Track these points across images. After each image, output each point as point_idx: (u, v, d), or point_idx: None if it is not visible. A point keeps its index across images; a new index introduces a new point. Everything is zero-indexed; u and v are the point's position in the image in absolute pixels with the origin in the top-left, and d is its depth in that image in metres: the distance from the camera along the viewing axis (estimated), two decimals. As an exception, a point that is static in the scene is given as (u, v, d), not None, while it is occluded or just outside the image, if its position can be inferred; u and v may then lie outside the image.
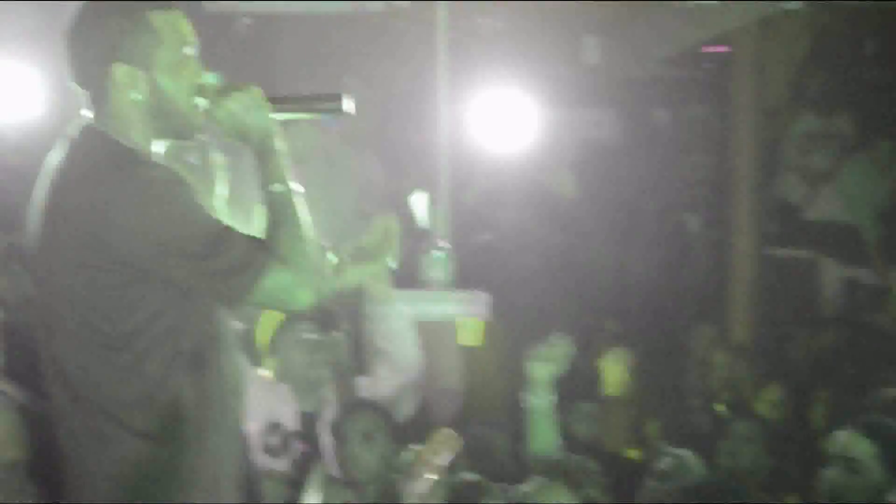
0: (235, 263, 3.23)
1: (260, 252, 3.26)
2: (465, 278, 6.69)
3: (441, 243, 6.57)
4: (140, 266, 3.21)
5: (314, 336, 5.52)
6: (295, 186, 3.39)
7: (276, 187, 3.37)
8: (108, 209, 3.18)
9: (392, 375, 5.54)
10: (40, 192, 3.38)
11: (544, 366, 5.25)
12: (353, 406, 5.41)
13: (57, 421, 3.37)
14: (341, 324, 5.71)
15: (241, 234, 3.29)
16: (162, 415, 3.28)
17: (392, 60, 8.97)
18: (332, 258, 4.99)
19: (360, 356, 5.74)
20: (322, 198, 7.32)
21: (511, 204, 8.77)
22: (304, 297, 3.32)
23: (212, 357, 3.37)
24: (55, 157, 3.38)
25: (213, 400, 3.37)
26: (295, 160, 7.14)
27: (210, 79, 3.45)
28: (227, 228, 3.28)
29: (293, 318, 5.45)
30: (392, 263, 5.35)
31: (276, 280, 3.25)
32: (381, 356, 5.56)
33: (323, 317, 5.55)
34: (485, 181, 8.22)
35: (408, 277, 6.60)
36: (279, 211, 3.35)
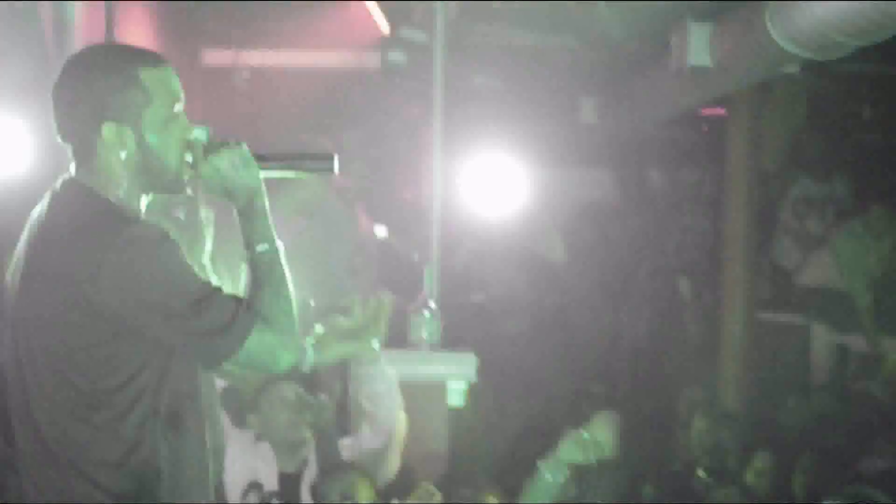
0: (219, 324, 3.20)
1: (243, 313, 3.23)
2: (453, 338, 6.67)
3: (430, 303, 6.55)
4: (123, 324, 3.18)
5: (298, 396, 5.48)
6: (279, 245, 3.37)
7: (261, 247, 3.35)
8: (93, 267, 3.15)
9: (375, 437, 5.50)
10: (21, 247, 3.35)
11: (577, 452, 5.13)
12: (333, 468, 5.37)
13: (26, 475, 3.32)
14: (326, 384, 5.68)
15: (226, 295, 3.26)
16: (136, 474, 3.25)
17: (388, 116, 9.02)
18: (318, 329, 4.99)
19: (343, 416, 5.71)
20: (316, 252, 7.37)
21: (502, 264, 8.77)
22: (287, 359, 3.30)
23: (189, 417, 3.34)
24: (38, 212, 3.35)
25: (189, 460, 3.34)
26: (298, 212, 7.18)
27: (200, 133, 3.44)
28: (212, 288, 3.25)
29: (277, 376, 5.42)
30: (377, 344, 5.36)
31: (259, 341, 3.24)
32: (365, 417, 5.52)
33: (308, 377, 5.52)
34: (476, 240, 8.22)
35: (396, 337, 6.59)
36: (263, 271, 3.33)
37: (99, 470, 3.24)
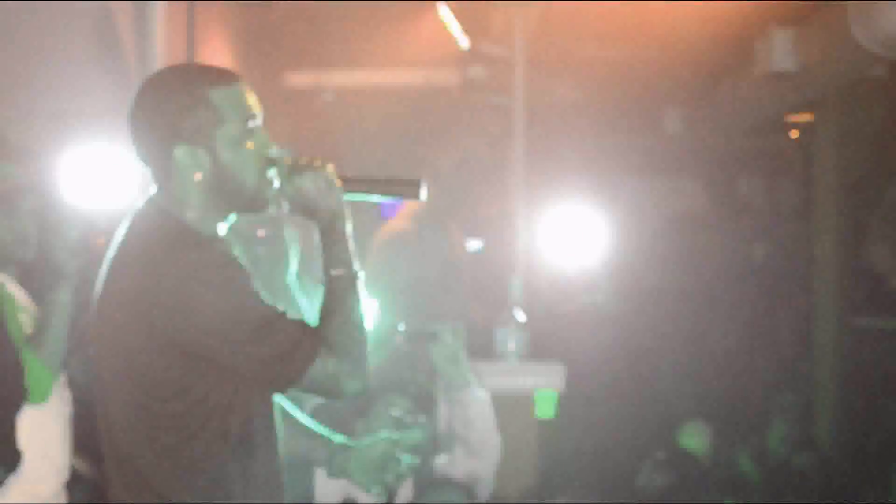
0: (282, 351, 3.16)
1: (308, 340, 3.19)
2: (541, 350, 6.64)
3: (517, 314, 6.52)
4: (186, 349, 3.16)
5: (403, 415, 5.46)
6: (357, 271, 3.32)
7: (336, 271, 3.31)
8: (157, 291, 3.13)
9: (469, 460, 5.46)
10: (103, 266, 3.36)
11: None
12: (435, 483, 5.35)
13: (110, 493, 3.32)
14: (429, 402, 5.64)
15: (291, 321, 3.21)
16: (205, 495, 3.22)
17: (471, 131, 9.00)
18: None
19: (437, 437, 5.71)
20: (412, 270, 7.38)
21: (588, 274, 8.71)
22: (353, 386, 3.25)
23: (260, 438, 3.31)
24: (119, 231, 3.35)
25: (260, 481, 3.31)
26: (389, 233, 7.21)
27: (282, 152, 3.41)
28: (277, 314, 3.19)
29: (391, 391, 5.43)
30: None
31: (323, 369, 3.19)
32: (458, 441, 5.49)
33: (420, 397, 5.50)
34: (561, 253, 8.14)
35: (484, 348, 6.58)
36: (337, 296, 3.29)
37: (169, 490, 3.22)
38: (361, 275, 3.33)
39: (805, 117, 9.70)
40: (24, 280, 4.86)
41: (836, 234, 8.76)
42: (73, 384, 5.21)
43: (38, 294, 4.82)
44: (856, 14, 6.60)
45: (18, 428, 4.62)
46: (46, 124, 6.22)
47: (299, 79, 9.28)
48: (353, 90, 9.45)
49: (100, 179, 5.64)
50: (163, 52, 6.77)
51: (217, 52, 7.73)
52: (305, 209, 3.36)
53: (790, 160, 10.33)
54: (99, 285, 3.32)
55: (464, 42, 8.58)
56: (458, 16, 8.42)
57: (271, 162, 3.33)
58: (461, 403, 5.43)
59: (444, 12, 8.38)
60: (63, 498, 5.09)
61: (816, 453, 7.37)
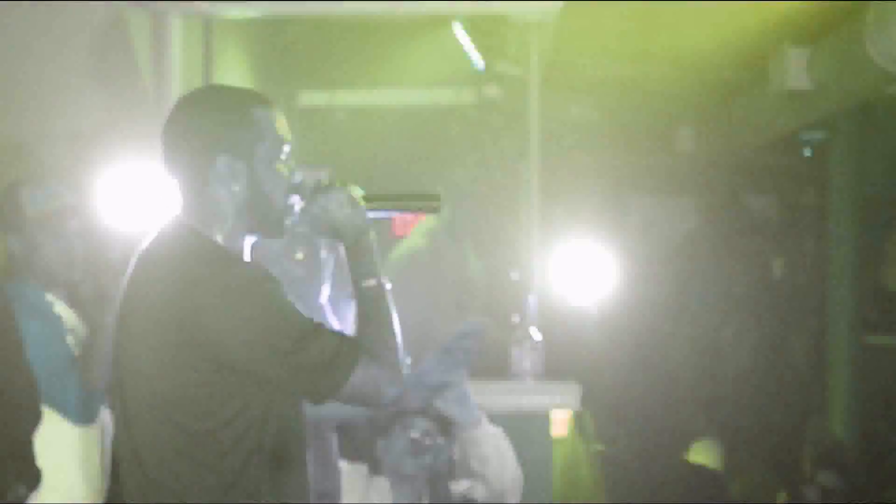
0: (325, 359, 3.22)
1: (348, 348, 3.26)
2: (555, 369, 6.64)
3: (532, 333, 6.52)
4: (228, 364, 3.19)
5: (422, 437, 5.45)
6: (384, 282, 3.41)
7: (368, 283, 3.39)
8: (197, 308, 3.16)
9: (488, 494, 5.46)
10: (124, 285, 3.37)
11: None
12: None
13: None
14: (452, 430, 5.65)
15: (330, 330, 3.28)
16: None
17: (487, 151, 9.02)
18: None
19: (454, 462, 5.71)
20: (424, 290, 7.38)
21: (602, 294, 8.70)
22: (391, 392, 3.32)
23: (293, 451, 3.35)
24: (142, 250, 3.36)
25: (291, 493, 3.34)
26: (404, 251, 7.23)
27: (321, 175, 3.48)
28: (316, 324, 3.26)
29: (412, 414, 5.44)
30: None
31: (364, 375, 3.25)
32: (476, 477, 5.49)
33: (442, 420, 5.50)
34: (575, 272, 8.13)
35: (499, 367, 6.58)
36: (369, 306, 3.38)
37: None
38: (388, 286, 3.41)
39: (819, 135, 9.69)
40: (74, 300, 4.87)
41: (851, 253, 8.74)
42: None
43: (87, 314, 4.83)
44: (872, 31, 6.61)
45: (61, 451, 4.63)
46: (68, 145, 6.23)
47: (314, 98, 9.31)
48: (367, 109, 9.47)
49: (137, 200, 5.64)
50: (179, 71, 6.79)
51: (233, 70, 7.75)
52: (330, 229, 3.42)
53: (805, 179, 10.32)
54: (123, 304, 3.34)
55: (479, 61, 8.59)
56: (473, 35, 8.44)
57: (295, 189, 3.40)
58: (474, 441, 5.42)
59: (459, 32, 8.40)
60: (100, 523, 5.10)
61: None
